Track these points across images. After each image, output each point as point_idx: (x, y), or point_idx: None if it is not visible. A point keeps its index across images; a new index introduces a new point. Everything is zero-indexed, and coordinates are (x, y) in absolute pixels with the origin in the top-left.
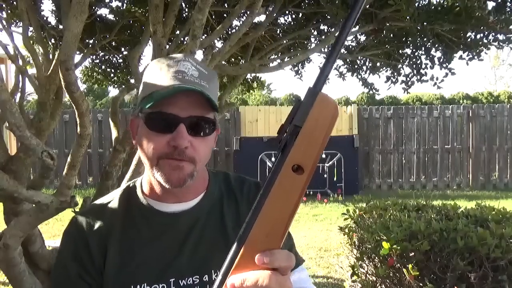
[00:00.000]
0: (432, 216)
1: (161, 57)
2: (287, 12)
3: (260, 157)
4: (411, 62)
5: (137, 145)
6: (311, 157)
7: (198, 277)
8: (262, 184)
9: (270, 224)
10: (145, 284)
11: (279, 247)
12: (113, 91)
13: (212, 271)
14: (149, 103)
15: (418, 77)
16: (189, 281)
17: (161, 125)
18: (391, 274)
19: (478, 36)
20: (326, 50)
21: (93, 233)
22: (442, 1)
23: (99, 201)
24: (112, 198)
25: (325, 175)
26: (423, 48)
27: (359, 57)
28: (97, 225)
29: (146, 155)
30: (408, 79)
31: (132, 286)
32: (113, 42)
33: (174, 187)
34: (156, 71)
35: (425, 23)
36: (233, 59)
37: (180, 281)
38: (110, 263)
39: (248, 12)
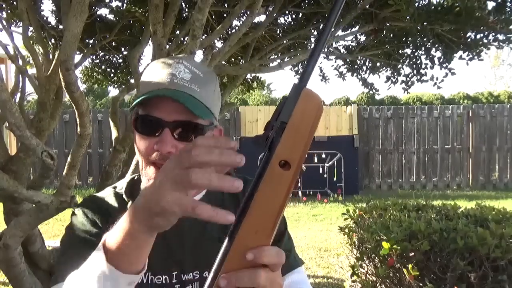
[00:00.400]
0: (432, 216)
1: (162, 58)
2: (287, 12)
3: (260, 157)
4: (411, 62)
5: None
6: (297, 152)
7: (198, 272)
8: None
9: (259, 222)
10: (150, 273)
11: (268, 244)
12: (113, 91)
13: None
14: (133, 105)
15: (418, 77)
16: (190, 276)
17: (148, 129)
18: (391, 274)
19: (478, 36)
20: (326, 50)
21: (103, 213)
22: (442, 1)
23: (108, 190)
24: (119, 190)
25: (325, 175)
26: (423, 48)
27: (359, 57)
28: (105, 208)
29: (139, 157)
30: (408, 79)
31: None
32: (113, 42)
33: None
34: (150, 72)
35: (425, 23)
36: (233, 59)
37: (182, 275)
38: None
39: (248, 12)
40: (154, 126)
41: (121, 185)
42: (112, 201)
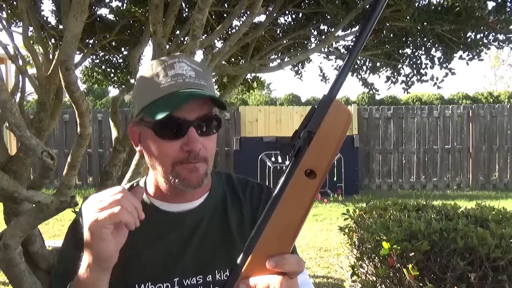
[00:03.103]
0: (432, 216)
1: (154, 60)
2: (287, 12)
3: (260, 157)
4: (411, 62)
5: (145, 153)
6: (324, 162)
7: (201, 276)
8: (275, 187)
9: (281, 227)
10: (149, 283)
11: (289, 251)
12: (113, 91)
13: (216, 271)
14: (160, 114)
15: (418, 77)
16: (193, 281)
17: (171, 132)
18: (391, 274)
19: (478, 36)
20: (326, 50)
21: None
22: (442, 1)
23: None
24: None
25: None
26: (423, 48)
27: (359, 57)
28: None
29: (160, 163)
30: (408, 79)
31: (136, 285)
32: (113, 42)
33: (194, 188)
34: (153, 77)
35: (425, 23)
36: (233, 59)
37: (184, 280)
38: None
39: (248, 12)
40: (178, 128)
41: None
42: None
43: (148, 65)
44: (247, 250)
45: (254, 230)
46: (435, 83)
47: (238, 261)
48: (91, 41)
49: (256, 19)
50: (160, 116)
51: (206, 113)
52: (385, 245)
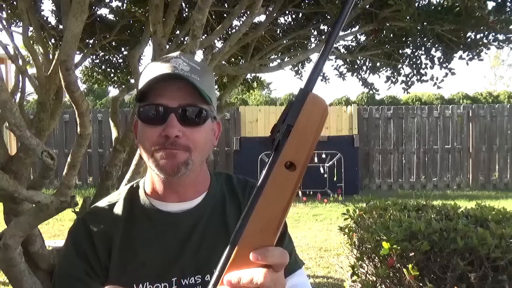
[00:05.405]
0: (432, 216)
1: (159, 58)
2: (287, 12)
3: (260, 157)
4: (411, 62)
5: (138, 144)
6: (303, 154)
7: (200, 276)
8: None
9: (264, 220)
10: (147, 283)
11: (273, 243)
12: (113, 91)
13: (214, 270)
14: (139, 95)
15: (418, 77)
16: (191, 281)
17: (153, 117)
18: (391, 274)
19: (478, 36)
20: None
21: (98, 232)
22: (442, 1)
23: (104, 201)
24: (117, 199)
25: (325, 175)
26: (423, 48)
27: (359, 57)
28: (102, 225)
29: (143, 150)
30: (408, 79)
31: (134, 285)
32: (113, 42)
33: (168, 175)
34: (149, 71)
35: (425, 23)
36: (233, 59)
37: (182, 280)
38: (114, 262)
39: (248, 12)
40: (159, 113)
41: (117, 196)
42: (108, 219)
43: (150, 63)
44: (232, 244)
45: (238, 224)
46: (435, 83)
47: (224, 255)
48: (91, 41)
49: (256, 19)
50: (138, 99)
51: (190, 103)
52: (385, 245)
